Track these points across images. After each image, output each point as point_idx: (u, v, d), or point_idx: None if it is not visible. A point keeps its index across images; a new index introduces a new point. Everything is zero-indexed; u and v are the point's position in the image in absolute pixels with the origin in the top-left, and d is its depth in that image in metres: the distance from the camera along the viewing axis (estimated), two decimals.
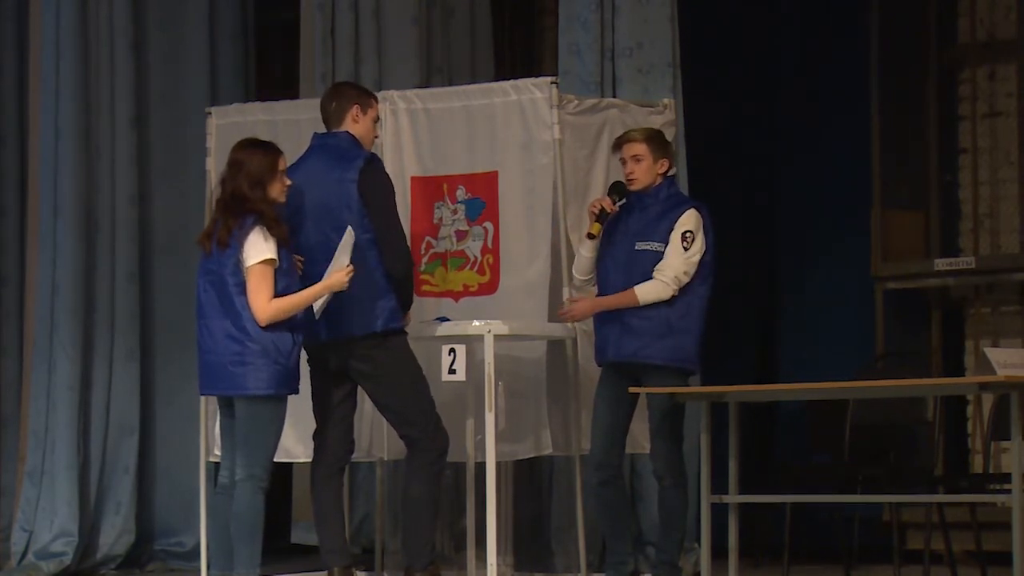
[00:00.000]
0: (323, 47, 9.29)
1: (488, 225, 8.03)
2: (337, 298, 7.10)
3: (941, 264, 9.64)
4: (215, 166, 8.32)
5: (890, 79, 9.90)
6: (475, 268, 8.03)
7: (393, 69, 9.09)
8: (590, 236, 7.39)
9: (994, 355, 6.91)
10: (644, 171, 7.40)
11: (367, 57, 9.20)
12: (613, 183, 7.53)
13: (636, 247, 7.36)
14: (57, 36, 9.29)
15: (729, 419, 7.37)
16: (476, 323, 7.53)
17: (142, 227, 9.51)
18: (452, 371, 7.49)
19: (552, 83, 8.05)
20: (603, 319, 7.44)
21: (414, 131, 8.12)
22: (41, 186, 9.34)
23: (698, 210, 7.37)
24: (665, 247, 7.31)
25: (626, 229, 7.41)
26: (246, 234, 6.92)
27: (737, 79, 10.08)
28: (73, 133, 9.31)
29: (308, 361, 7.30)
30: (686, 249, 7.27)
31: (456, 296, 7.80)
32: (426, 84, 9.02)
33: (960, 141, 9.85)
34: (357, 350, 7.25)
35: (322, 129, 7.62)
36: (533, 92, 8.04)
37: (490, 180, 8.03)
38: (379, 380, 7.29)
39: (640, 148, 7.41)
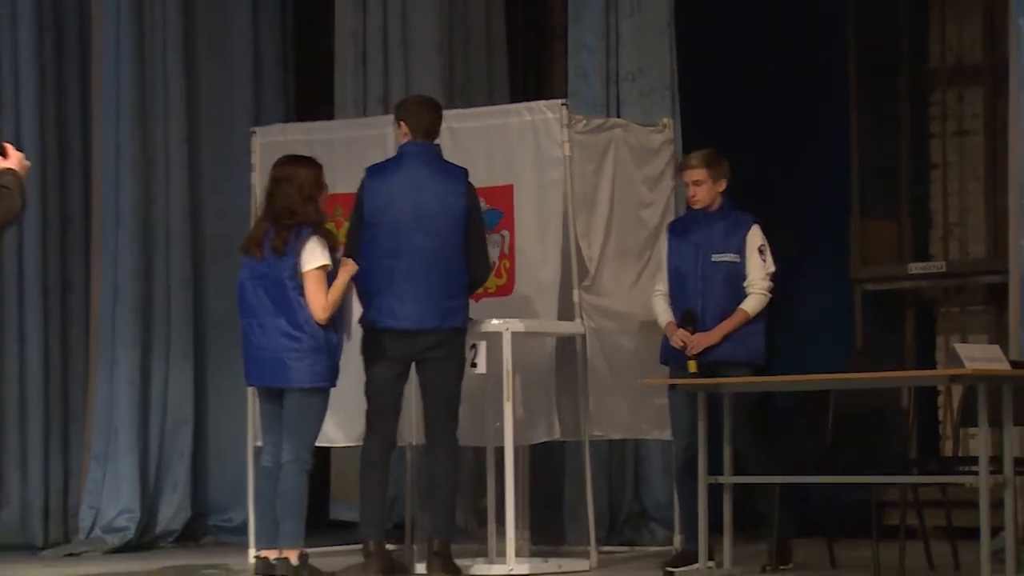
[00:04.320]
0: (355, 72, 9.29)
1: (505, 233, 8.01)
2: (426, 293, 7.14)
3: (914, 268, 9.61)
4: (259, 180, 8.29)
5: (867, 101, 9.87)
6: (493, 272, 7.99)
7: (418, 92, 9.05)
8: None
9: (962, 350, 6.86)
10: (705, 192, 7.51)
11: (395, 81, 9.19)
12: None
13: (712, 259, 7.48)
14: (117, 65, 9.30)
15: (724, 408, 7.33)
16: (495, 321, 7.50)
17: (194, 236, 9.52)
18: (474, 364, 7.49)
19: (562, 105, 8.03)
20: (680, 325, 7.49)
21: None
22: (103, 200, 9.36)
23: (759, 224, 7.56)
24: (738, 257, 7.46)
25: (697, 244, 7.51)
26: (303, 242, 6.95)
27: (729, 102, 10.04)
28: (131, 151, 9.32)
29: (376, 350, 7.23)
30: (764, 261, 7.48)
31: (477, 297, 7.75)
32: (448, 106, 8.97)
33: (931, 157, 9.82)
34: (438, 341, 7.21)
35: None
36: (545, 113, 8.01)
37: (506, 193, 8.00)
38: (447, 370, 7.26)
39: (699, 173, 7.52)
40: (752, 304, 7.47)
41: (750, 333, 7.46)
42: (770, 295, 7.50)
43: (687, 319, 7.46)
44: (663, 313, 7.60)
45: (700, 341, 7.41)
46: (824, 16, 10.03)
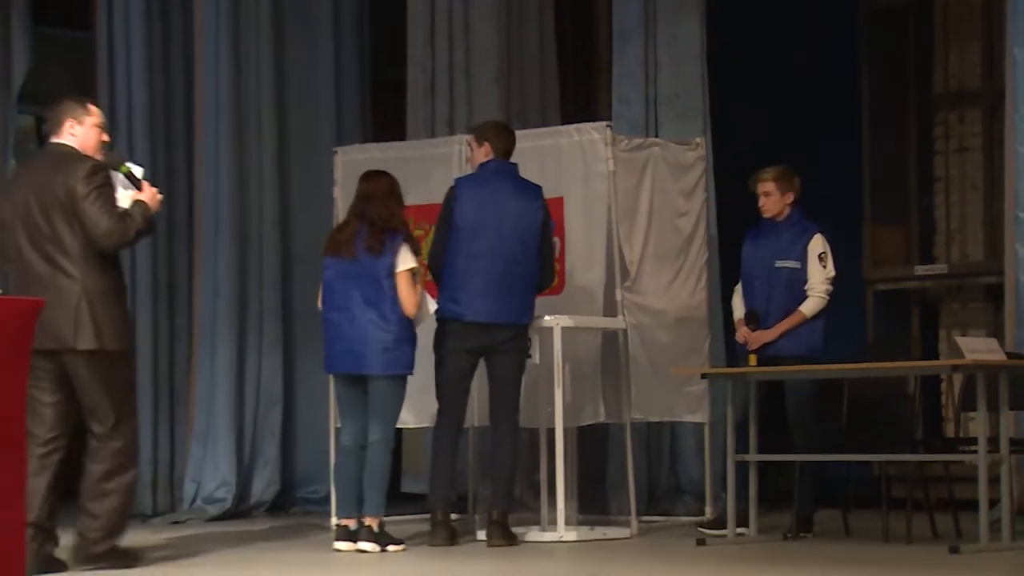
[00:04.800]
0: (425, 99, 9.29)
1: (556, 240, 8.00)
2: (506, 292, 7.16)
3: (920, 270, 9.55)
4: (340, 194, 8.34)
5: (879, 121, 9.83)
6: None
7: (479, 116, 9.08)
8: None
9: (963, 343, 6.84)
10: (773, 203, 7.52)
11: (459, 107, 9.19)
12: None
13: (776, 265, 7.46)
14: (217, 91, 9.35)
15: (751, 395, 7.31)
16: (547, 318, 7.50)
17: (283, 242, 9.56)
18: (529, 356, 7.47)
19: (607, 127, 8.03)
20: (745, 323, 7.50)
21: None
22: (204, 209, 9.40)
23: (822, 233, 7.49)
24: (800, 264, 7.43)
25: (765, 250, 7.51)
26: (398, 247, 7.01)
27: (755, 122, 10.02)
28: (229, 167, 9.36)
29: (455, 340, 7.21)
30: (824, 267, 7.43)
31: None
32: None
33: (935, 171, 9.76)
34: (509, 334, 7.22)
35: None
36: (591, 134, 8.01)
37: (557, 204, 8.00)
38: (515, 360, 7.27)
39: (769, 186, 7.53)
40: (810, 306, 7.44)
41: (808, 330, 7.43)
42: (828, 297, 7.45)
43: (750, 318, 7.47)
44: (737, 310, 7.65)
45: (758, 338, 7.42)
46: (840, 46, 10.01)
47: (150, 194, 6.19)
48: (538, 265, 7.31)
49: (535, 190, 7.38)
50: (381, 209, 7.05)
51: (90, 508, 6.17)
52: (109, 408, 6.13)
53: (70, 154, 6.12)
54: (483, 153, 7.37)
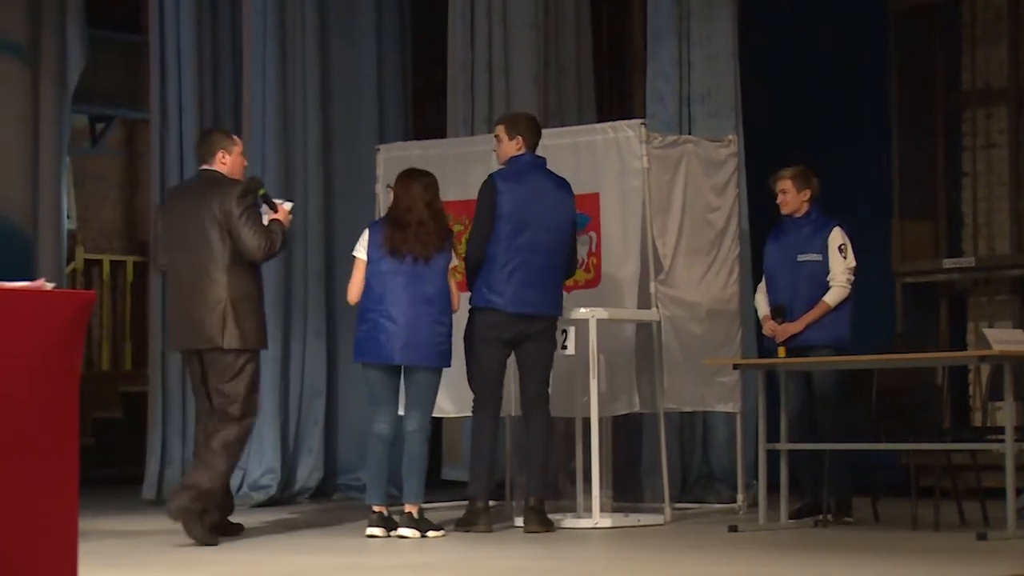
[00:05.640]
0: (464, 98, 9.29)
1: (592, 234, 8.01)
2: (542, 284, 7.17)
3: (948, 263, 9.51)
4: (382, 190, 8.35)
5: (908, 119, 9.79)
6: (583, 267, 7.99)
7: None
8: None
9: (990, 334, 6.81)
10: (790, 200, 7.57)
11: (498, 106, 9.18)
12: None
13: (798, 259, 7.49)
14: (264, 92, 9.37)
15: (781, 385, 7.29)
16: (583, 310, 7.49)
17: (327, 237, 9.57)
18: (564, 347, 7.47)
19: (641, 124, 8.02)
20: (772, 317, 7.51)
21: None
22: None
23: (841, 227, 7.51)
24: (822, 257, 7.46)
25: (785, 245, 7.56)
26: (450, 245, 7.07)
27: (786, 119, 9.99)
28: (275, 165, 9.38)
29: (493, 331, 7.18)
30: (844, 257, 7.46)
31: (567, 289, 7.76)
32: (543, 125, 8.97)
33: (963, 166, 9.72)
34: (544, 324, 7.22)
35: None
36: (626, 131, 8.00)
37: (593, 200, 8.00)
38: (548, 348, 7.27)
39: (786, 184, 7.59)
40: (833, 296, 7.45)
41: (833, 320, 7.44)
42: (850, 287, 7.46)
43: (777, 312, 7.49)
44: (761, 308, 7.67)
45: (785, 330, 7.43)
46: (869, 45, 9.96)
47: (283, 213, 6.97)
48: (566, 257, 7.31)
49: (567, 184, 7.39)
50: (438, 209, 7.06)
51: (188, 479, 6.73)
52: (240, 402, 6.77)
53: (221, 179, 6.91)
54: (515, 147, 7.33)
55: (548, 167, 7.39)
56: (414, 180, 7.13)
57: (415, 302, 7.01)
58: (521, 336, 7.23)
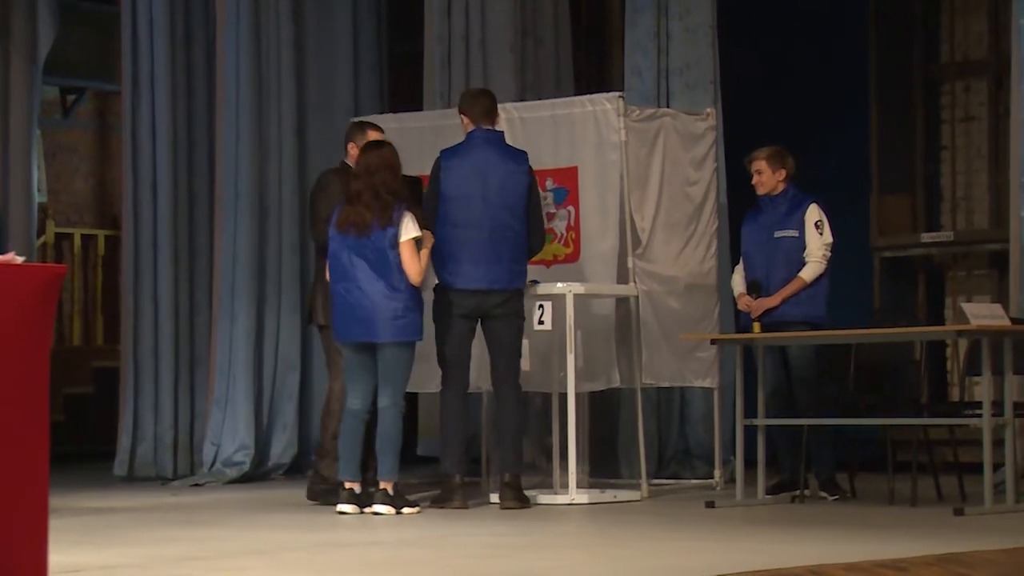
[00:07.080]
0: (441, 70, 9.25)
1: (571, 208, 7.99)
2: (495, 259, 7.16)
3: (926, 237, 9.53)
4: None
5: (885, 91, 9.79)
6: (562, 242, 7.98)
7: (495, 87, 9.02)
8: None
9: (968, 309, 6.83)
10: (766, 180, 7.58)
11: (475, 78, 9.14)
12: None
13: (775, 235, 7.51)
14: (237, 66, 9.30)
15: (758, 361, 7.29)
16: (559, 285, 7.49)
17: (301, 211, 9.51)
18: (541, 322, 7.47)
19: (619, 97, 8.00)
20: (747, 293, 7.52)
21: (512, 135, 8.06)
22: (225, 179, 9.35)
23: (817, 203, 7.52)
24: (798, 233, 7.47)
25: (762, 224, 7.57)
26: (401, 217, 6.96)
27: (764, 93, 9.98)
28: (249, 138, 9.33)
29: (451, 308, 7.20)
30: (821, 234, 7.47)
31: (547, 264, 7.74)
32: (521, 98, 8.96)
33: (942, 140, 9.73)
34: (504, 298, 7.21)
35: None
36: (604, 104, 7.98)
37: (572, 173, 7.98)
38: (512, 323, 7.26)
39: (761, 164, 7.61)
40: (809, 272, 7.46)
41: (809, 296, 7.46)
42: (826, 263, 7.47)
43: (752, 287, 7.50)
44: (737, 287, 7.68)
45: (760, 305, 7.44)
46: (848, 18, 9.95)
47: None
48: (527, 230, 7.28)
49: (520, 156, 7.34)
50: (388, 181, 7.01)
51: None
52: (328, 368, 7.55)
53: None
54: (465, 124, 7.35)
55: (507, 141, 7.37)
56: (365, 153, 7.11)
57: (367, 278, 6.99)
58: (479, 312, 7.23)
